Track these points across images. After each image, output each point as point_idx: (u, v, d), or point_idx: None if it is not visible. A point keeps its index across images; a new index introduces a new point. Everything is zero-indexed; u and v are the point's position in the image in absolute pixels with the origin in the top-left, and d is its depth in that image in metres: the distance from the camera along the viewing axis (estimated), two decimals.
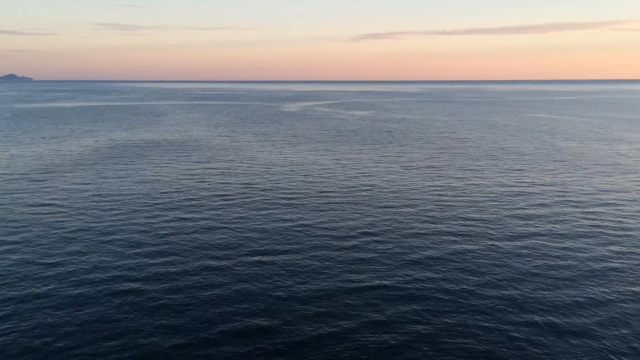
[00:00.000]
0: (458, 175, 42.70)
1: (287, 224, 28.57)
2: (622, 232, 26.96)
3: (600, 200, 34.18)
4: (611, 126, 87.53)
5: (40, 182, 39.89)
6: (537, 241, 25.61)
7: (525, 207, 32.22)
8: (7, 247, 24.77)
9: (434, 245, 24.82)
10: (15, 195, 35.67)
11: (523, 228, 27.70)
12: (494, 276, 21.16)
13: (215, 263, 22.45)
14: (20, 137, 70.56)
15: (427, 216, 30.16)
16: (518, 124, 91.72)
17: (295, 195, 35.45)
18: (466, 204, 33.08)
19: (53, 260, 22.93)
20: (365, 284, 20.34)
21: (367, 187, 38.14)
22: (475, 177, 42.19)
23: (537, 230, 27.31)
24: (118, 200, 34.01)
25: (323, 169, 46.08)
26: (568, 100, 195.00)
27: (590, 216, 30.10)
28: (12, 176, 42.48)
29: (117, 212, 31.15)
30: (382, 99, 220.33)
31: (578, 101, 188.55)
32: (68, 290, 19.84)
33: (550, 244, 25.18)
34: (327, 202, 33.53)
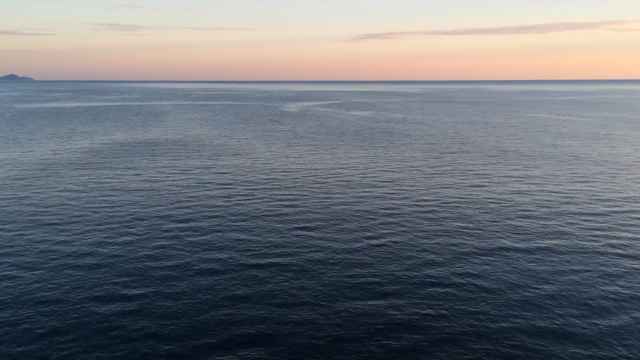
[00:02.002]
0: (462, 178, 42.61)
1: (289, 228, 28.34)
2: (633, 241, 26.75)
3: (607, 203, 34.08)
4: (614, 126, 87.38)
5: (39, 183, 39.82)
6: (547, 249, 25.47)
7: (531, 212, 32.01)
8: (2, 250, 24.71)
9: (441, 255, 24.05)
10: (15, 196, 35.59)
11: (531, 235, 27.46)
12: (505, 293, 20.68)
13: (209, 277, 20.93)
14: (21, 138, 70.49)
15: (432, 221, 29.98)
16: (520, 125, 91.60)
17: (296, 198, 35.36)
18: (470, 208, 32.92)
19: (49, 263, 22.86)
20: (370, 294, 19.46)
21: (370, 190, 38.05)
22: (479, 180, 42.10)
23: (545, 236, 27.18)
24: (115, 202, 33.94)
25: (324, 170, 46.00)
26: (569, 101, 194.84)
27: (598, 221, 29.98)
28: (13, 176, 42.40)
29: (114, 214, 31.08)
30: (383, 99, 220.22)
31: (578, 101, 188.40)
32: (62, 294, 19.73)
33: (559, 254, 24.98)
34: (329, 205, 33.43)
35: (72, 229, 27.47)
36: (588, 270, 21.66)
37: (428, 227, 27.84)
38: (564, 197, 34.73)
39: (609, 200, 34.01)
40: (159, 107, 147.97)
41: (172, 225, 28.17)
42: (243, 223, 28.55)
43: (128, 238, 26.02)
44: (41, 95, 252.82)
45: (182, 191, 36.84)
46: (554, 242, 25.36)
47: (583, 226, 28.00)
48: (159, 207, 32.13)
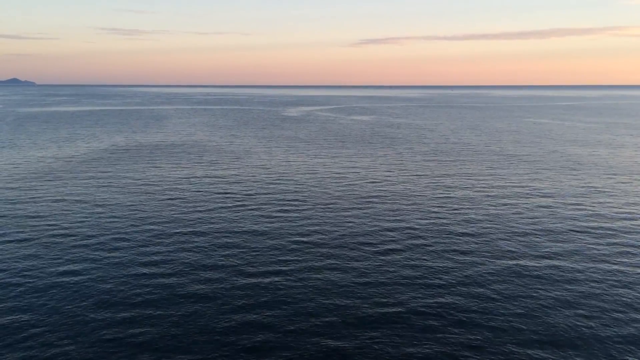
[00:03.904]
0: (467, 185, 42.38)
1: (290, 240, 27.85)
2: None
3: (615, 212, 33.81)
4: (618, 132, 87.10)
5: (39, 187, 39.63)
6: (558, 261, 25.21)
7: (539, 221, 31.72)
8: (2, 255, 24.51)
9: (452, 266, 23.70)
10: (14, 200, 35.39)
11: (541, 245, 27.13)
12: (519, 305, 20.33)
13: (203, 294, 19.54)
14: (23, 141, 70.38)
15: (441, 230, 29.64)
16: (522, 130, 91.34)
17: (298, 207, 35.08)
18: (477, 217, 32.65)
19: (37, 272, 22.64)
20: (380, 310, 18.42)
21: (373, 198, 37.78)
22: (484, 187, 41.86)
23: (556, 247, 26.92)
24: (114, 208, 33.72)
25: (326, 176, 45.75)
26: (570, 106, 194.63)
27: (610, 231, 29.70)
28: (14, 180, 42.21)
29: (112, 220, 30.84)
30: (384, 104, 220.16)
31: (580, 107, 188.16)
32: (56, 306, 19.39)
33: (570, 264, 24.72)
34: (332, 214, 33.13)
35: (69, 235, 27.24)
36: (601, 285, 21.39)
37: (433, 239, 27.51)
38: (570, 206, 34.45)
39: (616, 208, 33.75)
40: (160, 111, 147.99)
41: (170, 234, 27.86)
42: (243, 234, 27.90)
43: (121, 252, 25.77)
44: (43, 99, 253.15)
45: (182, 198, 36.60)
46: (564, 255, 25.07)
47: (592, 236, 27.73)
48: (157, 215, 31.90)
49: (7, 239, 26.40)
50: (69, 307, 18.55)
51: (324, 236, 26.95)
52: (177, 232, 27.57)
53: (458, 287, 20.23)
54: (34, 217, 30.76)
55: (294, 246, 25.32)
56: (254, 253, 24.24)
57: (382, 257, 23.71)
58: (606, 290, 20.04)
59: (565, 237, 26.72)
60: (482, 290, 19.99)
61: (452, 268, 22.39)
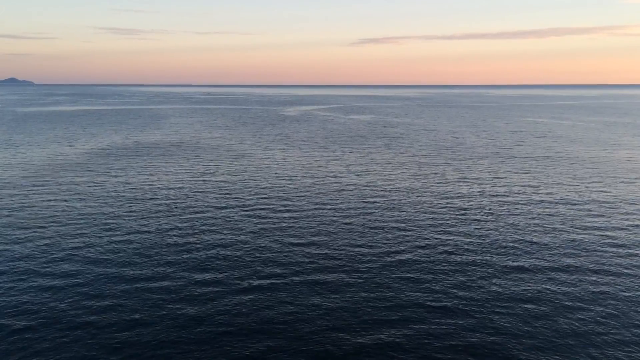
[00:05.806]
0: (468, 187, 42.18)
1: (288, 248, 27.28)
2: None
3: (623, 214, 33.63)
4: (621, 132, 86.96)
5: (35, 187, 39.40)
6: (566, 267, 25.01)
7: (543, 226, 31.38)
8: None
9: (452, 275, 23.38)
10: (12, 200, 35.14)
11: (546, 254, 26.93)
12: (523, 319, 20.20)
13: (200, 302, 18.61)
14: (21, 141, 70.08)
15: (441, 234, 29.42)
16: (521, 129, 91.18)
17: (297, 208, 34.80)
18: (481, 218, 32.41)
19: (41, 275, 22.42)
20: (383, 322, 18.11)
21: (373, 198, 37.53)
22: (487, 188, 41.69)
23: (563, 251, 26.73)
24: (110, 209, 33.49)
25: (326, 176, 45.52)
26: (569, 105, 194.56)
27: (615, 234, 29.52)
28: (11, 180, 41.97)
29: (108, 221, 30.59)
30: (383, 103, 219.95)
31: (579, 106, 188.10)
32: (45, 315, 19.15)
33: (578, 272, 24.49)
34: (333, 215, 32.88)
35: (63, 236, 27.01)
36: (611, 290, 21.20)
37: (433, 244, 27.26)
38: (574, 206, 34.25)
39: (620, 213, 33.57)
40: (159, 111, 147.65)
41: (166, 239, 27.52)
42: (240, 237, 27.36)
43: (116, 253, 25.54)
44: (41, 99, 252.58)
45: (178, 200, 36.35)
46: (572, 259, 24.88)
47: (600, 240, 27.54)
48: (151, 218, 31.66)
49: (2, 243, 26.16)
50: (52, 326, 18.34)
51: (320, 246, 26.52)
52: (174, 242, 27.21)
53: (461, 305, 19.97)
54: (30, 218, 30.52)
55: (291, 258, 24.45)
56: (251, 262, 23.42)
57: (382, 266, 23.06)
58: (614, 305, 19.84)
59: (569, 244, 26.52)
60: (485, 305, 19.80)
61: (451, 278, 22.07)
